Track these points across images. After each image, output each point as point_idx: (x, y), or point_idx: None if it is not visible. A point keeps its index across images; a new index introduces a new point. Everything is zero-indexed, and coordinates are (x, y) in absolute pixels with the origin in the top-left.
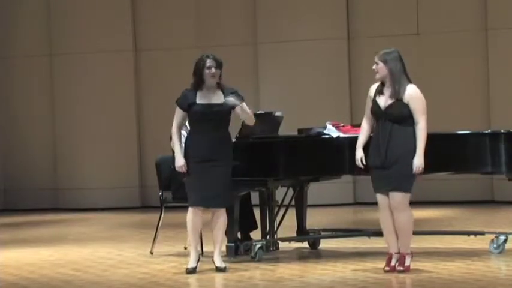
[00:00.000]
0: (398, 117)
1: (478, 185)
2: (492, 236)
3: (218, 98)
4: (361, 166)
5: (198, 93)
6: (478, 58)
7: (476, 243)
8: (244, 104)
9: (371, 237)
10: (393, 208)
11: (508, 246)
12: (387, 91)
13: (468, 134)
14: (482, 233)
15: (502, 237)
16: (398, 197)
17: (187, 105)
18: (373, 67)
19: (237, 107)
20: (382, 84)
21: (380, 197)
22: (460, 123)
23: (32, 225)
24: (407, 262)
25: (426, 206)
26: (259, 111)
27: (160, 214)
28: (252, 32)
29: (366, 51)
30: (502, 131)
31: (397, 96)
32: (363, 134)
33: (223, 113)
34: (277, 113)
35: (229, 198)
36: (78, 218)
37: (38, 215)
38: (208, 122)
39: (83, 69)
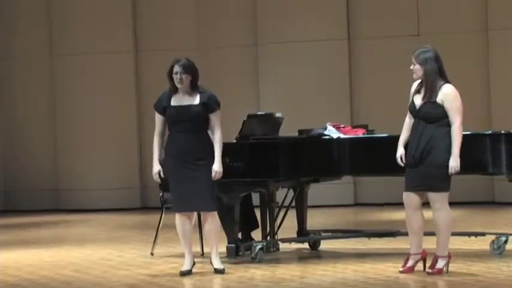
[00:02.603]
0: (431, 117)
1: (479, 185)
2: (493, 237)
3: (192, 100)
4: (402, 164)
5: (174, 97)
6: (478, 59)
7: (476, 244)
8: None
9: (371, 238)
10: (431, 208)
11: (508, 247)
12: (423, 91)
13: (469, 134)
14: (482, 234)
15: (503, 238)
16: (436, 197)
17: (162, 108)
18: (411, 67)
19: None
20: (421, 84)
21: (407, 196)
22: None
23: (32, 226)
24: (439, 265)
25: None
26: (260, 112)
27: (161, 215)
28: (252, 33)
29: (366, 52)
30: (503, 131)
31: (429, 99)
32: (404, 131)
33: (197, 113)
34: (278, 114)
35: (215, 202)
36: (78, 219)
37: (38, 216)
38: (183, 123)
39: (83, 70)
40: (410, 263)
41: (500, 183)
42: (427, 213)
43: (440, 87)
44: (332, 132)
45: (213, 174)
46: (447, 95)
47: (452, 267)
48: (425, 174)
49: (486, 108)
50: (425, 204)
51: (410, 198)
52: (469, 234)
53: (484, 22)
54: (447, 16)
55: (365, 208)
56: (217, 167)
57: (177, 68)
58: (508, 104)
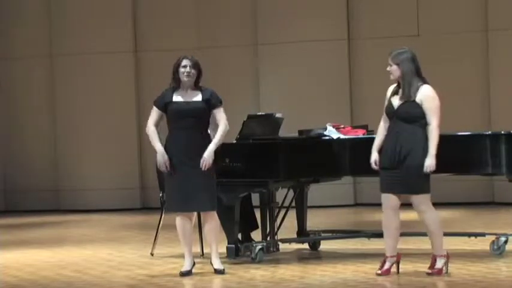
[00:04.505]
0: (409, 116)
1: (479, 186)
2: (493, 238)
3: (195, 97)
4: (376, 168)
5: (175, 93)
6: (478, 59)
7: (476, 245)
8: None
9: (371, 239)
10: (416, 211)
11: (508, 247)
12: (401, 91)
13: (468, 135)
14: (482, 235)
15: (503, 239)
16: (419, 199)
17: (164, 104)
18: (388, 68)
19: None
20: (399, 85)
21: (386, 198)
22: (460, 124)
23: (33, 227)
24: (439, 265)
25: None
26: (260, 113)
27: (161, 215)
28: (252, 33)
29: (367, 52)
30: (502, 132)
31: (408, 98)
32: (379, 136)
33: (200, 110)
34: (278, 115)
35: (215, 202)
36: (78, 219)
37: (38, 216)
38: (184, 120)
39: (83, 70)
40: (387, 266)
41: (500, 183)
42: (411, 215)
43: (418, 88)
44: (332, 133)
45: (201, 161)
46: (426, 95)
47: (452, 267)
48: (405, 177)
49: (486, 108)
50: (404, 205)
51: (390, 200)
52: (469, 235)
53: (484, 22)
54: (447, 16)
55: (365, 208)
56: (206, 154)
57: (186, 62)
58: (508, 104)
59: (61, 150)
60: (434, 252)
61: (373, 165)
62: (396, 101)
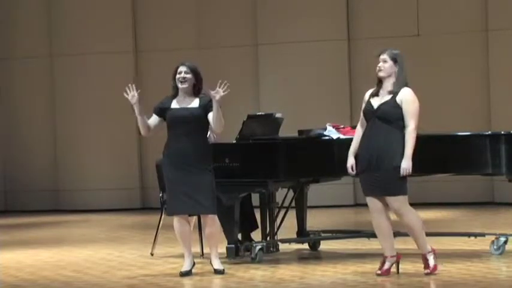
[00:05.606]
0: (388, 116)
1: (479, 186)
2: (492, 238)
3: (193, 104)
4: (352, 174)
5: (174, 100)
6: (478, 59)
7: (476, 245)
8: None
9: (371, 239)
10: (395, 214)
11: (508, 247)
12: (384, 91)
13: (468, 135)
14: (482, 235)
15: (503, 239)
16: (396, 202)
17: (159, 109)
18: (380, 64)
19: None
20: (378, 88)
21: (370, 201)
22: (460, 124)
23: (33, 227)
24: (431, 262)
25: (426, 208)
26: (260, 113)
27: (161, 215)
28: (252, 34)
29: (366, 52)
30: (502, 132)
31: (391, 93)
32: (355, 140)
33: (196, 116)
34: (278, 115)
35: (215, 205)
36: (78, 220)
37: (38, 217)
38: (182, 126)
39: (83, 70)
40: (387, 266)
41: (500, 183)
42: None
43: (400, 89)
44: (332, 133)
45: (215, 92)
46: (406, 97)
47: (452, 267)
48: (383, 179)
49: (486, 108)
50: None
51: (374, 203)
52: (469, 235)
53: (484, 22)
54: (447, 16)
55: (365, 208)
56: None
57: (181, 68)
58: (508, 104)
59: (61, 150)
60: (422, 251)
61: (350, 171)
62: (376, 102)
